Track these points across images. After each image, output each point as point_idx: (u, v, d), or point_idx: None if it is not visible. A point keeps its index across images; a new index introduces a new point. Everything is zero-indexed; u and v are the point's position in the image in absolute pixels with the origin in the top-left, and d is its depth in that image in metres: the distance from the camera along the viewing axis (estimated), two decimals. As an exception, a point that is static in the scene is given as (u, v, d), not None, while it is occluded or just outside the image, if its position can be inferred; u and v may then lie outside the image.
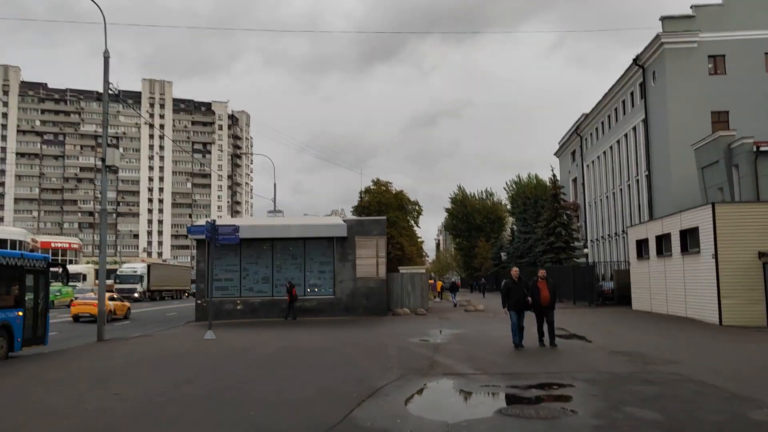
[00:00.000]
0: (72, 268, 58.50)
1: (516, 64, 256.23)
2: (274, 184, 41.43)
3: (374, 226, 25.35)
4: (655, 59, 35.62)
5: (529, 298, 12.99)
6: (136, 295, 50.06)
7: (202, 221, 21.63)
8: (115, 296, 31.32)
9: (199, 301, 24.31)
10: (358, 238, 24.72)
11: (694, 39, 34.03)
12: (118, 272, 53.17)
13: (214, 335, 16.02)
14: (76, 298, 42.74)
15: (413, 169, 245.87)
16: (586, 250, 46.28)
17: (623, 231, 43.58)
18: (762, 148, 26.03)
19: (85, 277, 53.92)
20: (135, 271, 52.27)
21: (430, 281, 41.89)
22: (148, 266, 54.52)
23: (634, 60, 37.88)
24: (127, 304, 31.68)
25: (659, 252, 23.08)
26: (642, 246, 25.22)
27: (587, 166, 52.48)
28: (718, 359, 11.14)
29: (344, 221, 25.45)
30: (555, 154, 63.96)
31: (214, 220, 17.57)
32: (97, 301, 29.24)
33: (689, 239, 20.49)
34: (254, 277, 24.89)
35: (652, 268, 23.78)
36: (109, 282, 52.71)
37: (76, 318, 27.44)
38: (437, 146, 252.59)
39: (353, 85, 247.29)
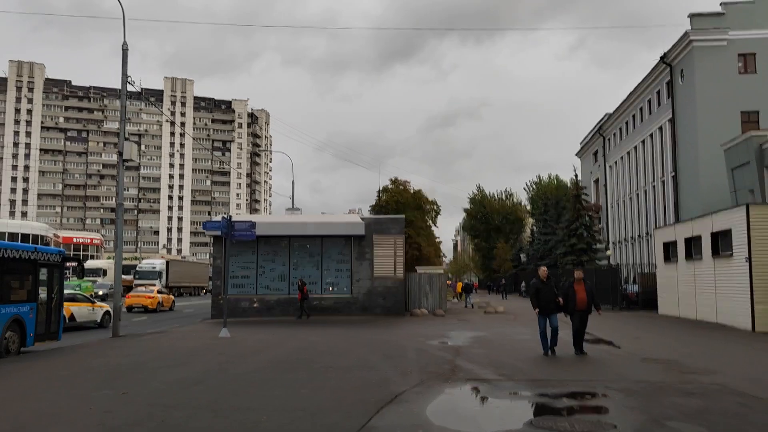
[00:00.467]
0: (92, 263, 59.15)
1: (535, 64, 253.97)
2: (293, 182, 41.18)
3: (392, 225, 24.88)
4: (684, 57, 34.66)
5: (560, 299, 11.95)
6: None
7: (218, 218, 21.31)
8: (164, 290, 35.33)
9: (214, 299, 24.06)
10: (376, 237, 24.26)
11: (724, 37, 33.07)
12: (137, 268, 53.37)
13: (229, 334, 15.67)
14: (95, 294, 43.08)
15: (430, 170, 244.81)
16: (608, 252, 45.29)
17: (647, 233, 42.55)
18: (796, 149, 25.15)
19: (105, 272, 54.24)
20: (154, 267, 52.36)
21: (447, 282, 41.24)
22: (167, 262, 54.62)
23: (662, 58, 36.92)
24: (172, 297, 34.89)
25: (688, 255, 22.27)
26: (669, 249, 24.40)
27: (610, 166, 51.42)
28: (759, 369, 10.45)
29: (362, 219, 25.01)
30: (576, 154, 62.91)
31: (230, 216, 17.23)
32: (149, 294, 31.65)
33: (721, 242, 19.68)
34: (270, 274, 24.57)
35: (680, 272, 22.97)
36: (127, 277, 53.42)
37: (130, 308, 30.71)
38: (455, 146, 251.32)
39: (371, 85, 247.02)
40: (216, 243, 24.85)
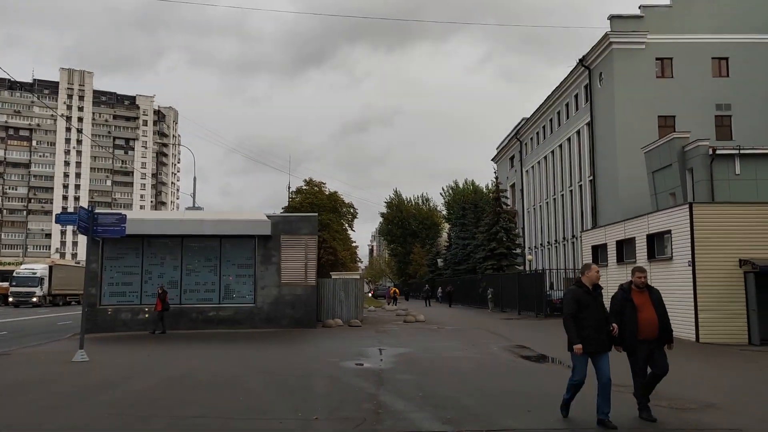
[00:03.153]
0: (-39, 270, 51.71)
1: (446, 75, 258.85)
2: (194, 178, 37.33)
3: (304, 224, 21.94)
4: (603, 60, 34.23)
5: (615, 325, 6.72)
6: (34, 299, 44.25)
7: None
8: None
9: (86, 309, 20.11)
10: (285, 238, 21.25)
11: (642, 40, 32.88)
12: (14, 273, 46.95)
13: (87, 357, 12.19)
14: None
15: (345, 176, 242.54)
16: (529, 257, 44.52)
17: (564, 238, 42.07)
18: (719, 152, 24.73)
19: (-20, 279, 47.69)
20: (34, 273, 46.14)
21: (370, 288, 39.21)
22: (50, 267, 48.45)
23: (580, 61, 36.44)
24: None
25: (620, 259, 20.94)
26: (599, 252, 23.09)
27: (527, 171, 51.00)
28: (751, 396, 8.51)
29: (268, 217, 21.88)
30: (493, 159, 62.57)
31: (92, 207, 13.74)
32: None
33: (658, 244, 18.36)
34: (159, 281, 20.91)
35: (611, 277, 21.58)
36: (4, 285, 46.89)
37: None
38: (369, 153, 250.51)
39: (284, 89, 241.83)
40: (93, 243, 20.92)
